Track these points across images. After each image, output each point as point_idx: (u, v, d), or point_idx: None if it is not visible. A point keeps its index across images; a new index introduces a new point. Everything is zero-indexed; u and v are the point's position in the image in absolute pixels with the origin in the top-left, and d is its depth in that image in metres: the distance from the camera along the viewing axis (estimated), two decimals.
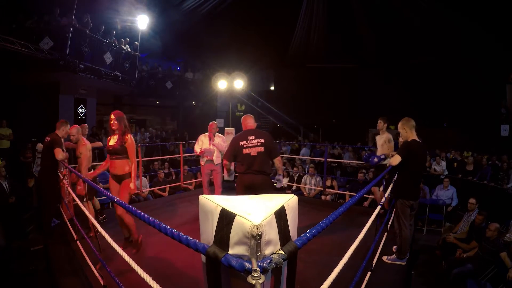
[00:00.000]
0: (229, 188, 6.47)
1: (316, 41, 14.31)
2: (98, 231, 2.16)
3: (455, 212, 6.45)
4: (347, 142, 11.46)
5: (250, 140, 3.25)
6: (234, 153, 3.30)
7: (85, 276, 2.86)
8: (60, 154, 3.71)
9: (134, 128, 13.88)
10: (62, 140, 4.05)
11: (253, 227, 0.88)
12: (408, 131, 3.20)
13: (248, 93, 14.09)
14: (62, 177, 4.04)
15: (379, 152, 4.65)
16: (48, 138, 3.90)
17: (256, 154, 3.21)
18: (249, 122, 3.48)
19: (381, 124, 4.76)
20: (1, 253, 4.14)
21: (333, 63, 14.72)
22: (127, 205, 1.50)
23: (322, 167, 7.02)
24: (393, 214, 3.78)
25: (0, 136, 7.49)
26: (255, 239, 0.88)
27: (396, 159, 3.09)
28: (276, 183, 3.71)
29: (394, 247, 3.41)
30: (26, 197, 5.64)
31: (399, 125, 3.26)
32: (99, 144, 5.51)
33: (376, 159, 4.34)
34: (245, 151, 3.23)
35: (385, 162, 4.33)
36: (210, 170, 5.06)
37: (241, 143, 3.25)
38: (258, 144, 3.24)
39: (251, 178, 3.20)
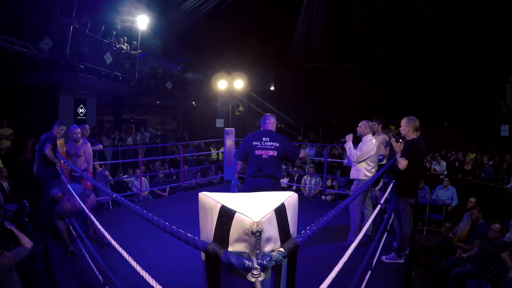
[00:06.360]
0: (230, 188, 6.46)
1: (316, 41, 14.30)
2: (98, 230, 2.16)
3: (455, 212, 6.45)
4: None
5: (264, 141, 3.07)
6: (245, 152, 3.13)
7: (85, 276, 2.86)
8: (48, 149, 3.69)
9: (134, 128, 13.89)
10: (63, 140, 4.05)
11: (253, 224, 0.87)
12: (410, 130, 3.21)
13: (248, 93, 14.09)
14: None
15: None
16: (43, 137, 3.94)
17: (267, 157, 3.04)
18: (268, 122, 3.25)
19: (375, 125, 4.70)
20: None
21: (333, 63, 14.71)
22: (128, 202, 1.50)
23: (322, 167, 7.02)
24: (393, 214, 3.79)
25: (0, 136, 7.48)
26: (255, 236, 0.87)
27: (404, 163, 3.09)
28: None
29: (395, 242, 3.47)
30: (26, 197, 5.63)
31: (404, 121, 3.26)
32: (100, 147, 5.42)
33: None
34: (257, 152, 3.06)
35: (383, 162, 4.34)
36: None
37: (254, 142, 3.09)
38: (272, 147, 3.05)
39: (260, 182, 3.03)
